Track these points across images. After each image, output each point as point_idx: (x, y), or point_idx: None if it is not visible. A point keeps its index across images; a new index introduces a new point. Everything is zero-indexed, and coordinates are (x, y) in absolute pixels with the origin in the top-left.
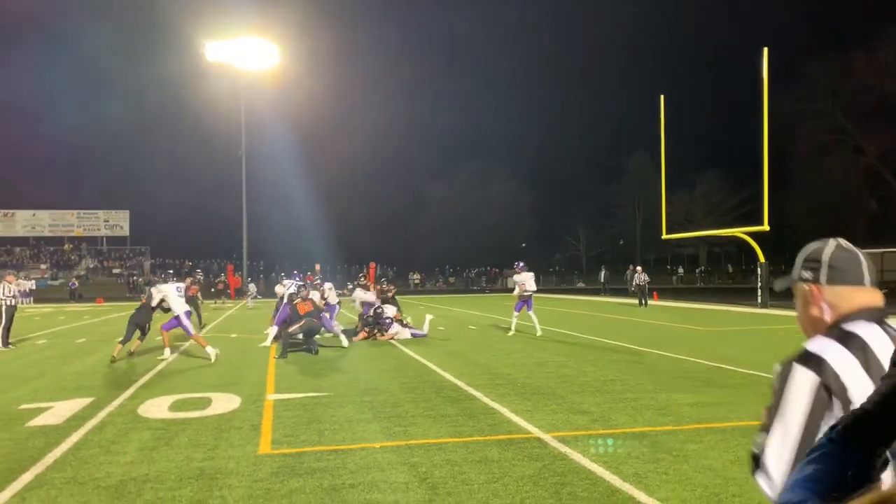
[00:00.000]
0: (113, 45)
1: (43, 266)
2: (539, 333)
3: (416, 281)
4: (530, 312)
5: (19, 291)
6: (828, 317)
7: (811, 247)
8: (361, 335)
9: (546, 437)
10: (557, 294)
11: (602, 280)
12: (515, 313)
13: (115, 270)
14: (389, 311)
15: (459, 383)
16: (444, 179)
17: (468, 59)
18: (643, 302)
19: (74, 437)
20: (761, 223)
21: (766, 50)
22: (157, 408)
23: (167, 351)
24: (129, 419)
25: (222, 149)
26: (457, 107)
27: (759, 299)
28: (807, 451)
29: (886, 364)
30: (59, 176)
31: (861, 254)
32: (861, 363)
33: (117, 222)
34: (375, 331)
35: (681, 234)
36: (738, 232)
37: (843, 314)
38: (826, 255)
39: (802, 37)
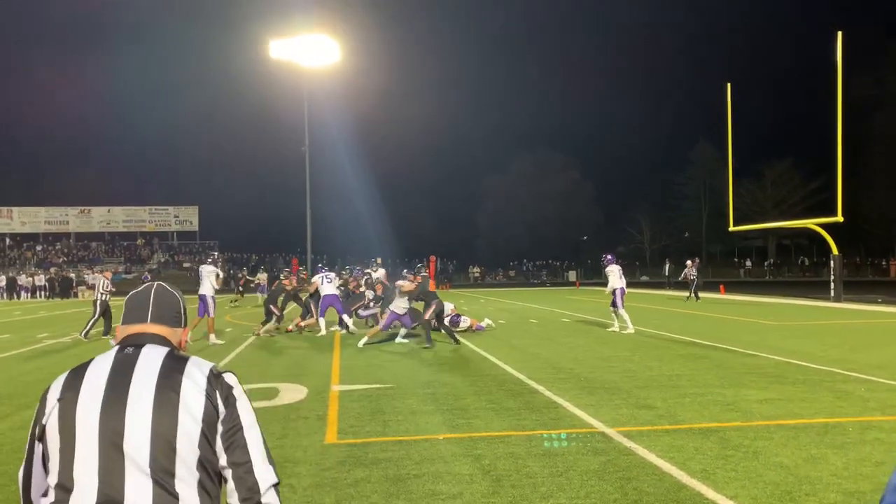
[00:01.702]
0: (181, 46)
1: (120, 260)
2: (611, 329)
3: (476, 274)
4: (621, 310)
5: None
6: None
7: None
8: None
9: (610, 431)
10: None
11: (666, 273)
12: (619, 310)
13: (186, 264)
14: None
15: (521, 377)
16: (503, 172)
17: (527, 50)
18: (691, 296)
19: None
20: (834, 214)
21: (840, 34)
22: None
23: (212, 337)
24: None
25: (287, 145)
26: (517, 98)
27: (833, 293)
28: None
29: (94, 381)
30: (131, 173)
31: (152, 293)
32: (66, 387)
33: (187, 217)
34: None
35: (749, 226)
36: (809, 223)
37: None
38: (127, 298)
39: (881, 16)
